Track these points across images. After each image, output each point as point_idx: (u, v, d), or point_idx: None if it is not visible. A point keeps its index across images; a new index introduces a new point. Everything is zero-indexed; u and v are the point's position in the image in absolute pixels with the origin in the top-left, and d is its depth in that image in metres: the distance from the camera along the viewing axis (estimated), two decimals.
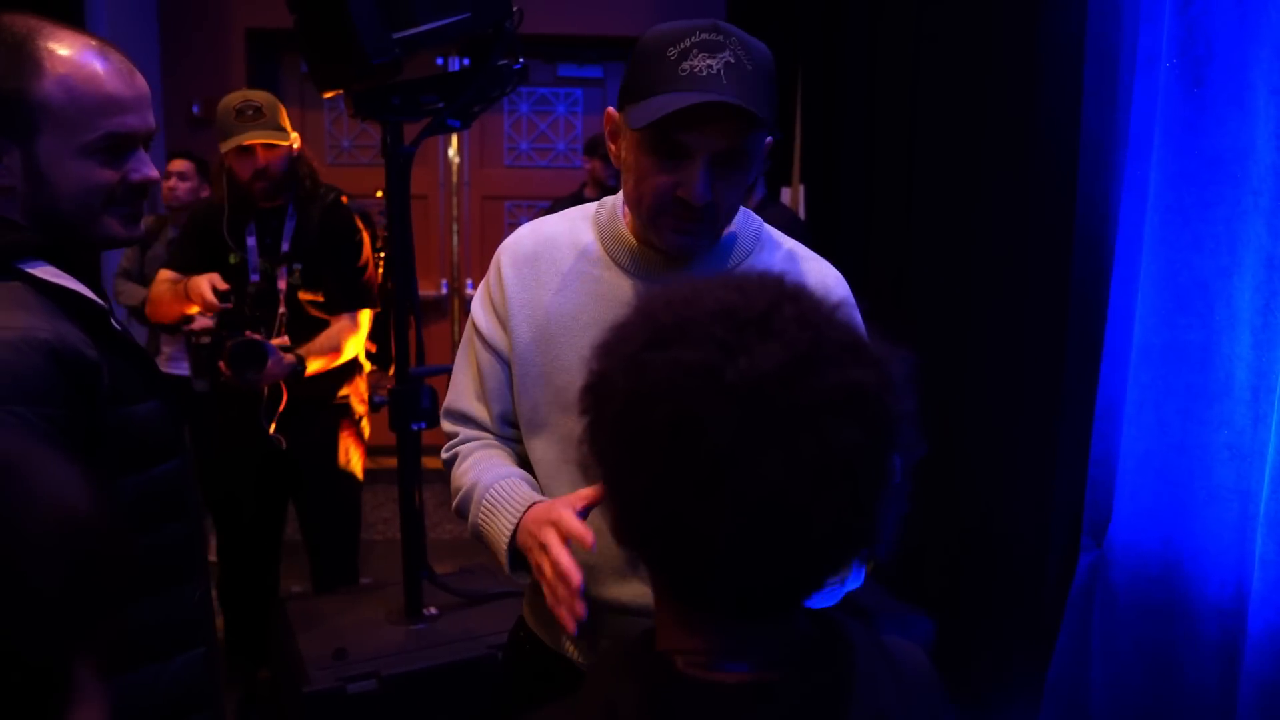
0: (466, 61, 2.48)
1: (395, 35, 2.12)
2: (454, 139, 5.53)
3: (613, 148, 1.36)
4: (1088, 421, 2.13)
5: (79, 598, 0.55)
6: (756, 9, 4.75)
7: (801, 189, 4.34)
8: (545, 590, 1.20)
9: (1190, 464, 1.92)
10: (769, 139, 1.34)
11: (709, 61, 1.19)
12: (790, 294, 0.77)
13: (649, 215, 1.30)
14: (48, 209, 1.23)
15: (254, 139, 2.75)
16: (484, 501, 1.36)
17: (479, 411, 1.47)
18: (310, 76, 2.46)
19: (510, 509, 1.32)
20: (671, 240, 1.31)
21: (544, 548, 1.20)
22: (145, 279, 3.92)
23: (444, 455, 1.51)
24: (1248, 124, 1.77)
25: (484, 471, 1.40)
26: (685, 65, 1.19)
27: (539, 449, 1.43)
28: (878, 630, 0.95)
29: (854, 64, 3.50)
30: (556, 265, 1.41)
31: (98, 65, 1.23)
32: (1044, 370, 2.33)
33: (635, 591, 1.37)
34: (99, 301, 1.27)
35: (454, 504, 1.44)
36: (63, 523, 0.55)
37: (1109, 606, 2.05)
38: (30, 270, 1.21)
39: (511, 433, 1.48)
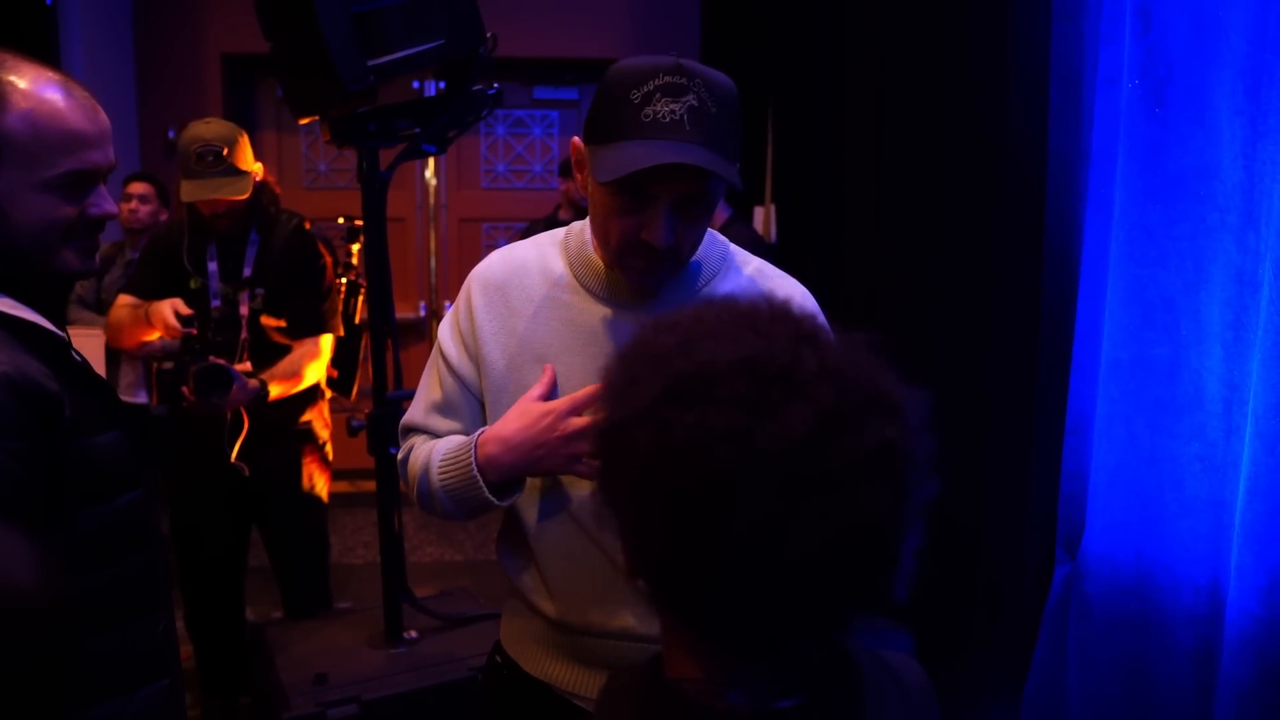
0: (443, 85, 2.50)
1: (370, 62, 2.14)
2: (430, 162, 5.54)
3: (579, 177, 1.38)
4: (1059, 436, 2.15)
5: (9, 668, 0.54)
6: (728, 32, 4.81)
7: (773, 209, 4.38)
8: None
9: (1161, 476, 1.95)
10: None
11: (672, 106, 1.20)
12: (807, 335, 0.76)
13: (614, 255, 1.33)
14: (5, 242, 1.22)
15: (214, 194, 2.72)
16: (438, 463, 1.38)
17: (437, 425, 1.47)
18: (286, 102, 2.46)
19: (462, 448, 1.37)
20: (637, 280, 1.34)
21: (564, 433, 1.29)
22: (103, 306, 3.89)
23: (399, 456, 1.52)
24: (1210, 143, 1.81)
25: (434, 446, 1.43)
26: (648, 110, 1.20)
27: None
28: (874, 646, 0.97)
29: (825, 84, 3.54)
30: (527, 293, 1.42)
31: (60, 101, 1.21)
32: (1017, 386, 2.36)
33: (620, 617, 1.38)
34: (59, 333, 1.27)
35: (414, 493, 1.45)
36: (2, 597, 0.54)
37: (1084, 618, 2.08)
38: None
39: None
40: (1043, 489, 2.24)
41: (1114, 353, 1.99)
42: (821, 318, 1.41)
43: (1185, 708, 1.90)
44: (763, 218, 4.59)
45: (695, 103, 1.21)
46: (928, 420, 0.75)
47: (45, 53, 3.38)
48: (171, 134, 5.20)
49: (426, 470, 1.40)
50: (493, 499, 1.34)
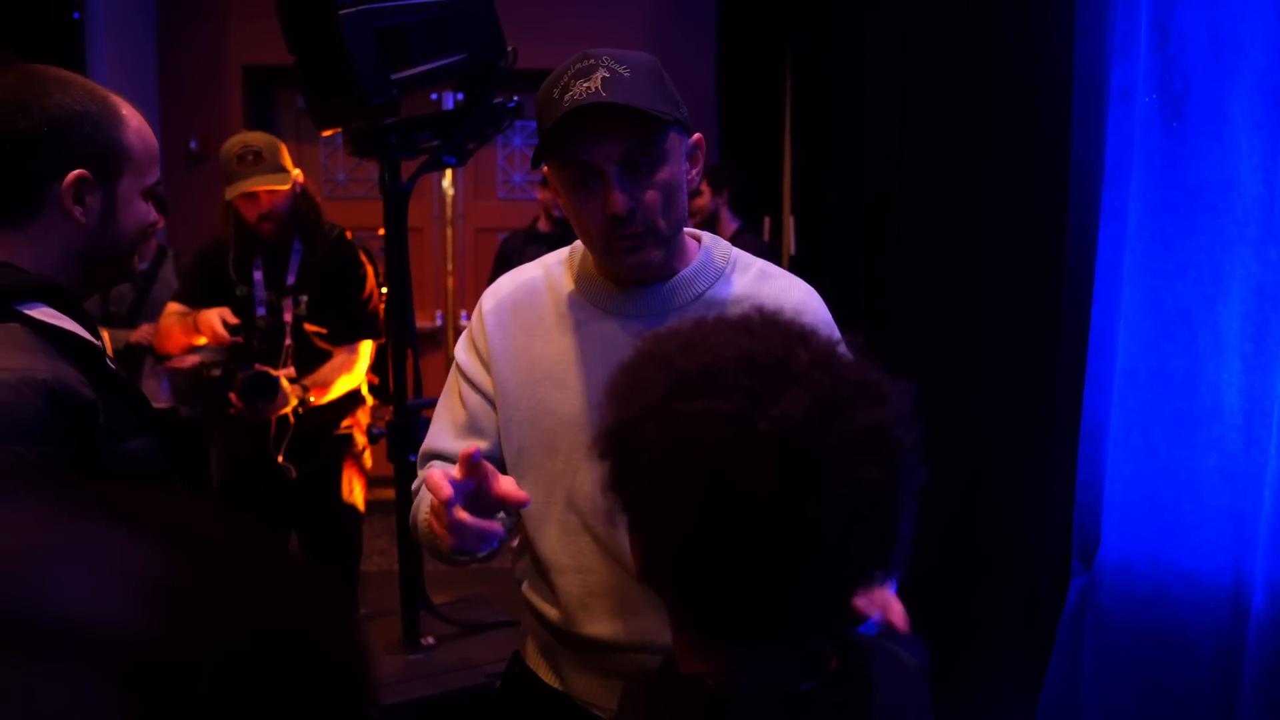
0: (462, 96, 2.52)
1: (394, 76, 2.16)
2: (448, 172, 5.58)
3: (560, 201, 1.41)
4: (1075, 447, 2.15)
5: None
6: (745, 40, 4.82)
7: (791, 221, 4.38)
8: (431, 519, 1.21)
9: (1179, 487, 1.95)
10: (693, 136, 1.38)
11: (585, 84, 1.26)
12: (798, 334, 0.81)
13: (600, 249, 1.34)
14: (108, 245, 1.34)
15: (256, 186, 2.82)
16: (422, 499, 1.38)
17: (458, 449, 1.45)
18: (309, 114, 2.49)
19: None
20: (626, 264, 1.34)
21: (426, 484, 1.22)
22: (110, 318, 3.66)
23: (414, 489, 1.50)
24: (1229, 157, 1.81)
25: (424, 495, 1.41)
26: (566, 97, 1.27)
27: (525, 492, 1.43)
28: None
29: (844, 94, 3.55)
30: (536, 310, 1.44)
31: (142, 120, 1.38)
32: (1036, 397, 2.36)
33: (635, 628, 1.37)
34: (95, 341, 1.31)
35: (415, 533, 1.42)
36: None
37: (1100, 629, 2.07)
38: (28, 311, 1.24)
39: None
40: (1059, 500, 2.24)
41: (1131, 364, 2.00)
42: (829, 319, 1.43)
43: (1203, 718, 1.89)
44: (769, 227, 4.59)
45: (607, 74, 1.27)
46: (914, 410, 0.80)
47: (72, 65, 3.43)
48: (194, 144, 5.25)
49: (416, 510, 1.40)
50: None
